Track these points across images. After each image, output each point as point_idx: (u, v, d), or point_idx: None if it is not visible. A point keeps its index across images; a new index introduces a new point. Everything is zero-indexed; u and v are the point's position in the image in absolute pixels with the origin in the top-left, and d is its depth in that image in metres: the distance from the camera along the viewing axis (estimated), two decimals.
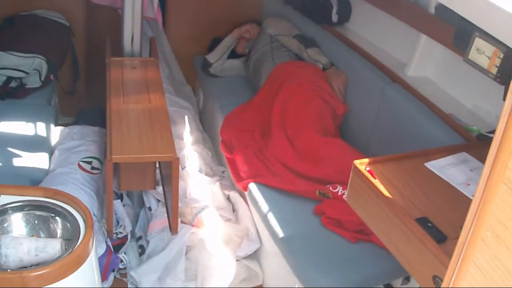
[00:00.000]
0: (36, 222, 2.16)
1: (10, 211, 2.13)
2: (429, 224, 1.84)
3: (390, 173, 2.09)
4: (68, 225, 2.11)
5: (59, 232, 2.14)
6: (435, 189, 2.05)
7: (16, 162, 3.25)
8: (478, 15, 2.15)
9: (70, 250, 1.97)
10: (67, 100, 4.41)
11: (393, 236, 1.93)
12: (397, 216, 1.89)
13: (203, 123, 4.39)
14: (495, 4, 1.94)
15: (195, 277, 3.07)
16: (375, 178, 2.06)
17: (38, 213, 2.15)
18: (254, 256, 3.22)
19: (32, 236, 2.12)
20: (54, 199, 2.18)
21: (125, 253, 3.21)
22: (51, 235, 2.14)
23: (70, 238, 2.06)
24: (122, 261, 3.15)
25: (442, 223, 1.84)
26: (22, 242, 2.00)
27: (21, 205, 2.15)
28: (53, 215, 2.15)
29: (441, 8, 2.84)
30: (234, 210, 3.40)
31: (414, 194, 2.00)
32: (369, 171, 2.09)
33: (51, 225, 2.15)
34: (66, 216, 2.12)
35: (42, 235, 2.15)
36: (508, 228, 0.93)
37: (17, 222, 2.14)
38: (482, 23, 2.16)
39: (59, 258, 1.95)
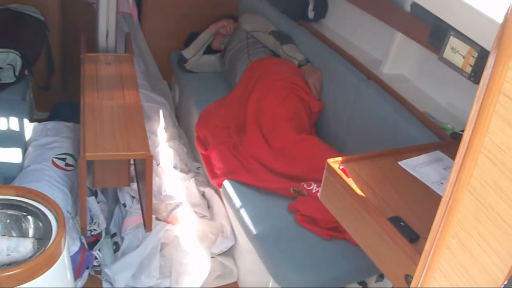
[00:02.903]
0: (8, 221, 2.14)
1: None
2: (401, 223, 1.85)
3: (364, 171, 2.09)
4: (40, 224, 2.09)
5: (31, 231, 2.12)
6: (408, 188, 2.05)
7: None
8: (452, 15, 2.16)
9: (42, 250, 1.95)
10: (42, 95, 4.37)
11: (366, 235, 1.94)
12: (370, 215, 1.89)
13: (179, 119, 4.37)
14: (469, 4, 1.95)
15: (169, 274, 3.06)
16: (348, 177, 2.06)
17: (10, 212, 2.14)
18: (229, 253, 3.23)
19: (4, 235, 2.10)
20: (26, 198, 2.16)
21: (99, 250, 3.19)
22: (23, 234, 2.13)
23: (42, 237, 2.05)
24: (96, 258, 3.14)
25: (414, 222, 1.84)
26: None
27: None
28: (25, 214, 2.13)
29: (416, 6, 2.85)
30: (209, 207, 3.39)
31: (387, 193, 2.00)
32: (342, 170, 2.09)
33: (23, 224, 2.13)
34: (38, 215, 2.11)
35: (14, 234, 2.13)
36: (472, 236, 0.94)
37: None
38: (456, 23, 2.17)
39: (31, 258, 1.94)
